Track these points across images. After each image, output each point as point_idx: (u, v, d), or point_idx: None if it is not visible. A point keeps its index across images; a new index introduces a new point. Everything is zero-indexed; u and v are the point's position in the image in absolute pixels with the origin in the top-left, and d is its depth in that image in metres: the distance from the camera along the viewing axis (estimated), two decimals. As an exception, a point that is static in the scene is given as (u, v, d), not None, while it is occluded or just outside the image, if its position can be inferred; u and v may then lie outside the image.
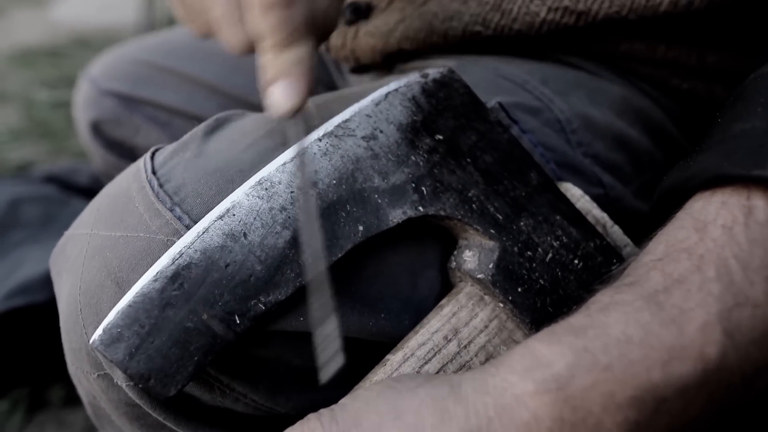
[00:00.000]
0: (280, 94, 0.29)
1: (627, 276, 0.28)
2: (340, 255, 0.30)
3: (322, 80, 0.65)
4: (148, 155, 0.34)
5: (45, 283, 0.82)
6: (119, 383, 0.30)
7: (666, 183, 0.33)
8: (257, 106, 0.64)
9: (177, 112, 0.66)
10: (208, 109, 0.64)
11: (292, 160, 0.30)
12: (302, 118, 0.30)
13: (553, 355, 0.25)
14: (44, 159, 1.31)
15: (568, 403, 0.24)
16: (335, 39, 0.49)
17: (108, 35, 1.79)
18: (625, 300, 0.26)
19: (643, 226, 0.39)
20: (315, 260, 0.27)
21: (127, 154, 0.68)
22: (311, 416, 0.27)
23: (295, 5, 0.28)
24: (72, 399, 0.86)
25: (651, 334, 0.25)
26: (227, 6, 0.30)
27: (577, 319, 0.27)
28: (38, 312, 0.81)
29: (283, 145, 0.32)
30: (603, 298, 0.27)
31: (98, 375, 0.31)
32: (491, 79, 0.41)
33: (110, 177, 0.74)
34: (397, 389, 0.27)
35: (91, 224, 0.32)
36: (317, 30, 0.31)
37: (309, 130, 0.32)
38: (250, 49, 0.32)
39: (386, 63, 0.48)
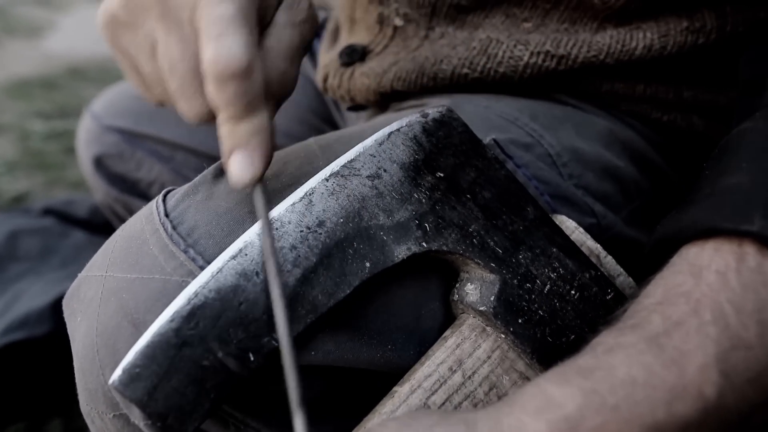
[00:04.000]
0: (238, 165, 0.29)
1: (629, 318, 0.29)
2: (348, 291, 0.31)
3: (320, 114, 0.67)
4: (160, 198, 0.35)
5: (44, 316, 0.82)
6: (137, 422, 0.30)
7: (659, 233, 0.34)
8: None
9: (178, 146, 0.67)
10: (209, 143, 0.66)
11: (261, 228, 0.29)
12: (262, 188, 0.30)
13: (563, 396, 0.26)
14: (40, 190, 1.31)
15: None
16: (332, 79, 0.51)
17: (102, 66, 1.80)
18: (629, 342, 0.28)
19: (634, 253, 0.40)
20: (283, 337, 0.28)
21: (130, 188, 0.69)
22: None
23: (251, 77, 0.27)
24: (70, 433, 0.85)
25: (654, 375, 0.26)
26: (184, 78, 0.30)
27: (584, 360, 0.28)
28: (37, 346, 0.80)
29: (250, 213, 0.32)
30: (608, 339, 0.29)
31: (114, 415, 0.32)
32: (484, 116, 0.43)
33: (111, 210, 0.75)
34: (413, 427, 0.27)
35: (105, 266, 0.33)
36: (274, 96, 0.31)
37: (271, 198, 0.31)
38: (209, 119, 0.31)
39: (381, 102, 0.50)
